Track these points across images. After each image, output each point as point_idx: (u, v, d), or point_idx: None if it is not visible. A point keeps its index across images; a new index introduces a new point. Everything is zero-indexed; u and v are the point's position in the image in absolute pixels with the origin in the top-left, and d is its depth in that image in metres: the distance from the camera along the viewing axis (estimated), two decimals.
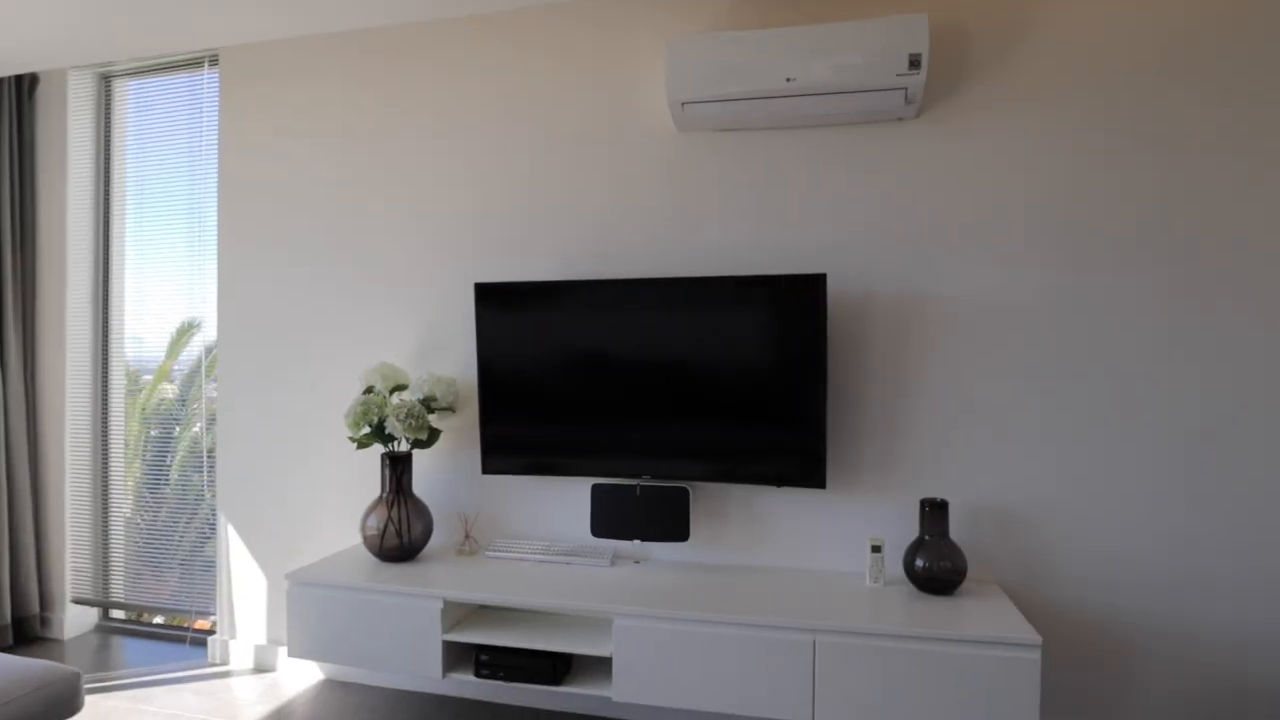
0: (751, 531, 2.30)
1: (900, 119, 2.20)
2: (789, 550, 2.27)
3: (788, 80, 2.08)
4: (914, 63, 2.01)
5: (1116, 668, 2.06)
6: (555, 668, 2.07)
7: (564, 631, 2.12)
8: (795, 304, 2.11)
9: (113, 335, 3.12)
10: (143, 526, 3.11)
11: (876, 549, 2.11)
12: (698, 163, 2.34)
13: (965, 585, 2.10)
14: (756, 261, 2.30)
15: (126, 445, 3.14)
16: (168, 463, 3.11)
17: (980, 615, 1.86)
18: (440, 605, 2.09)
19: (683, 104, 2.19)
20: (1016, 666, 1.73)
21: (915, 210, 2.19)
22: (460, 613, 2.21)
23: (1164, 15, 2.03)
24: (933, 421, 2.18)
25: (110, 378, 3.12)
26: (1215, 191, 2.00)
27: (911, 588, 2.08)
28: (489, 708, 2.40)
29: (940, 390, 2.17)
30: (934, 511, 2.04)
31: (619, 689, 1.95)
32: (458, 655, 2.17)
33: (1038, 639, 1.72)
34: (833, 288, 2.24)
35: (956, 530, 2.16)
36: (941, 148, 2.17)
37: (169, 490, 3.09)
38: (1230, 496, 2.00)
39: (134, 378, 3.13)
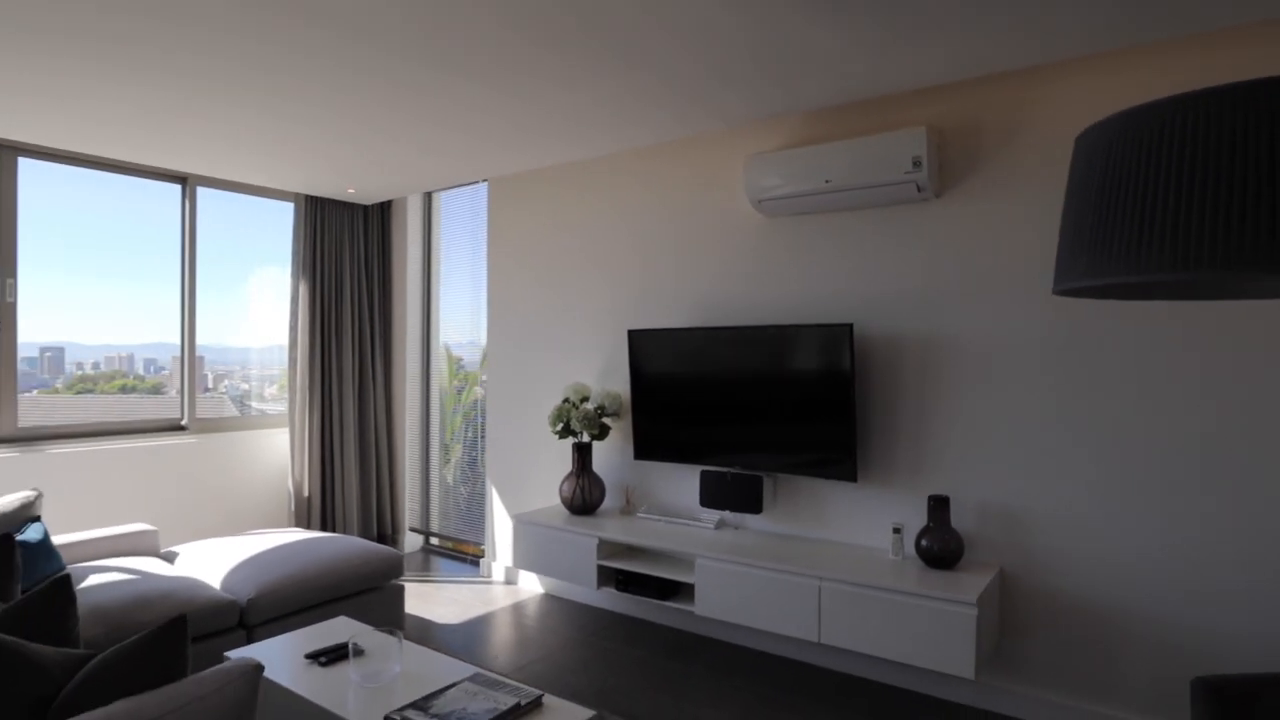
0: (812, 511, 3.08)
1: (925, 199, 2.83)
2: (837, 527, 3.01)
3: (826, 181, 2.85)
4: (916, 163, 2.66)
5: (1101, 650, 2.48)
6: (664, 588, 3.09)
7: (673, 566, 3.13)
8: (833, 345, 2.86)
9: (434, 360, 4.82)
10: (457, 489, 4.75)
11: (896, 530, 2.78)
12: (775, 240, 3.18)
13: (968, 565, 2.68)
14: (813, 312, 3.07)
15: (449, 434, 4.82)
16: (479, 446, 4.71)
17: (957, 583, 2.48)
18: (597, 542, 3.22)
19: (758, 200, 3.06)
20: (958, 618, 2.35)
21: (935, 269, 2.80)
22: (612, 549, 3.33)
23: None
24: (949, 434, 2.77)
25: (430, 388, 4.83)
26: None
27: (921, 562, 2.72)
28: (623, 618, 3.49)
29: (954, 409, 2.76)
30: (937, 504, 2.66)
31: (699, 605, 2.91)
32: (607, 576, 3.29)
33: (973, 600, 2.32)
34: (870, 331, 2.94)
35: (967, 522, 2.73)
36: (956, 221, 2.76)
37: (481, 470, 4.69)
38: (1210, 507, 2.32)
39: (461, 379, 4.80)
